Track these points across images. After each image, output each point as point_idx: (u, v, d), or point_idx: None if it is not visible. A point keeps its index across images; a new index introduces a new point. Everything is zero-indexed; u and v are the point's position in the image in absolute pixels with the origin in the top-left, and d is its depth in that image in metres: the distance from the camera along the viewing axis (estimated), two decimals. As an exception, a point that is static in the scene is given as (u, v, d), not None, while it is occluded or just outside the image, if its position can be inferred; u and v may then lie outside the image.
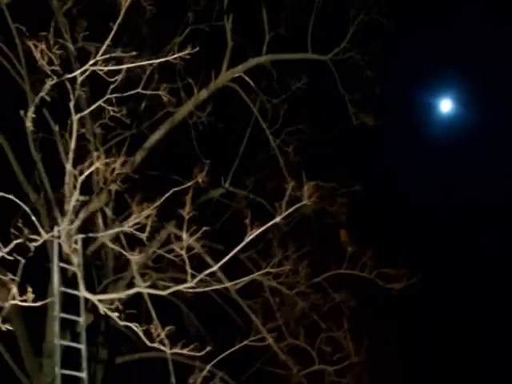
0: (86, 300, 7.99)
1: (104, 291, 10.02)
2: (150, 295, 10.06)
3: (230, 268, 7.51)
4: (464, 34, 15.22)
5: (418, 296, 10.61)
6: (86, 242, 8.27)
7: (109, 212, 7.97)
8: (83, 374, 7.69)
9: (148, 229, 6.71)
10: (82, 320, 7.86)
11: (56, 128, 8.99)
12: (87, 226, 8.57)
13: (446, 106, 15.91)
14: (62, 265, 8.25)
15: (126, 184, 8.65)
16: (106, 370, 10.16)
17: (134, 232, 6.91)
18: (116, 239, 8.43)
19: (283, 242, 10.21)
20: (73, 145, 5.69)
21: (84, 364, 7.77)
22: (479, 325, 15.26)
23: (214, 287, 6.44)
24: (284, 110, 10.46)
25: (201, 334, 10.83)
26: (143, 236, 6.54)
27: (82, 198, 8.19)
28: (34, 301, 5.90)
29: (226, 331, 10.59)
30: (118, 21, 5.27)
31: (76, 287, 8.06)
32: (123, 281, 10.26)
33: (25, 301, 4.31)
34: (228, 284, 7.07)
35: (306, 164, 10.89)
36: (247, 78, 9.75)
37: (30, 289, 4.27)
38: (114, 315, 5.30)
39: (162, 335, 5.26)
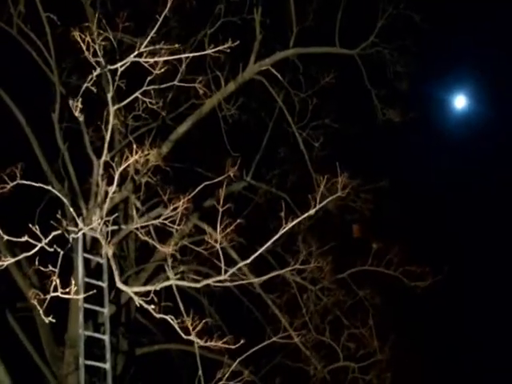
0: (109, 291, 8.02)
1: (126, 282, 10.03)
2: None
3: (253, 263, 7.47)
4: (479, 30, 15.06)
5: (443, 294, 10.55)
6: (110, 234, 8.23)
7: (138, 203, 7.95)
8: (107, 365, 7.74)
9: (178, 222, 6.67)
10: (106, 311, 7.90)
11: (82, 118, 8.98)
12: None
13: (460, 102, 15.77)
14: (86, 256, 8.31)
15: (156, 176, 8.68)
16: (127, 361, 10.20)
17: (168, 224, 6.92)
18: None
19: (306, 237, 10.17)
20: (108, 137, 5.66)
21: (108, 355, 7.82)
22: (505, 323, 15.15)
23: (241, 282, 6.38)
24: (311, 105, 10.33)
25: (222, 328, 10.83)
26: (174, 228, 6.51)
27: (113, 188, 8.23)
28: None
29: (245, 326, 10.60)
30: (164, 13, 5.23)
31: (98, 278, 8.10)
32: (145, 272, 10.28)
33: (67, 293, 4.28)
34: (255, 280, 7.02)
35: (331, 159, 10.85)
36: (274, 71, 9.69)
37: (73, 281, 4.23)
38: (150, 307, 5.28)
39: (198, 328, 5.22)
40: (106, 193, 8.17)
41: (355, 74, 10.61)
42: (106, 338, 7.95)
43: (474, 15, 14.89)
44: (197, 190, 6.56)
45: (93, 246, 8.94)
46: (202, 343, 5.46)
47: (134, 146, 5.65)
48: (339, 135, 11.13)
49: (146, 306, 5.37)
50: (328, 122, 10.83)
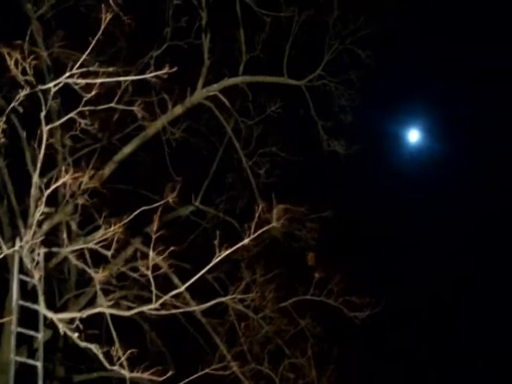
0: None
1: (65, 306, 9.72)
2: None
3: (196, 288, 7.34)
4: (432, 66, 15.52)
5: (384, 324, 10.59)
6: (49, 255, 7.98)
7: (74, 226, 7.72)
8: (39, 392, 7.37)
9: (114, 246, 6.49)
10: (41, 336, 7.57)
11: (24, 135, 8.75)
12: (51, 239, 8.30)
13: (413, 136, 16.12)
14: (22, 277, 7.99)
15: (93, 198, 8.45)
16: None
17: (99, 249, 6.72)
18: (80, 254, 8.19)
19: (252, 264, 10.08)
20: (41, 156, 5.48)
21: (40, 382, 7.47)
22: (443, 354, 15.36)
23: (179, 310, 6.23)
24: (258, 132, 10.35)
25: (163, 354, 10.57)
26: (108, 253, 6.33)
27: (47, 209, 7.97)
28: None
29: (189, 352, 10.36)
30: (98, 35, 5.13)
31: (36, 301, 7.78)
32: (85, 296, 9.95)
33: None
34: (195, 308, 6.87)
35: (278, 187, 10.88)
36: (222, 97, 9.69)
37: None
38: (75, 335, 5.06)
39: (123, 359, 5.02)
40: (42, 213, 7.94)
41: (303, 104, 10.71)
42: (39, 364, 7.61)
43: (427, 51, 15.32)
44: (133, 214, 6.39)
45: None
46: (126, 374, 5.24)
47: (63, 167, 5.46)
48: (286, 163, 11.15)
49: (69, 333, 5.15)
50: (275, 150, 10.84)
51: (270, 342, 9.19)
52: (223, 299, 7.35)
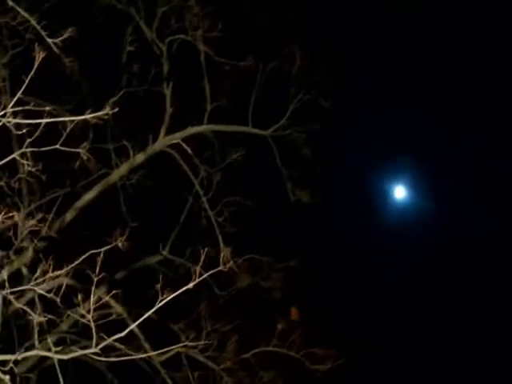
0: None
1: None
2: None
3: (162, 338, 7.22)
4: (417, 119, 15.84)
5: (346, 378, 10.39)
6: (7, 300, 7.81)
7: (25, 271, 7.66)
8: None
9: (61, 292, 6.43)
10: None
11: None
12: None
13: (399, 192, 16.27)
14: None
15: (45, 243, 8.41)
16: None
17: (47, 295, 6.64)
18: (40, 297, 8.09)
19: (217, 315, 9.95)
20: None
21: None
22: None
23: (123, 358, 6.10)
24: (220, 180, 10.51)
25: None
26: (57, 299, 6.28)
27: None
28: None
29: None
30: (31, 74, 5.25)
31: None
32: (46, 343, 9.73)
33: None
34: (142, 355, 6.73)
35: (244, 235, 10.88)
36: (185, 146, 9.83)
37: None
38: (7, 378, 4.95)
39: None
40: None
41: (269, 153, 10.85)
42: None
43: (413, 104, 15.67)
44: (80, 259, 6.38)
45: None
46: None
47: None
48: (253, 212, 11.19)
49: (1, 376, 5.03)
50: (239, 199, 10.89)
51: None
52: (176, 347, 7.18)
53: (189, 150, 9.79)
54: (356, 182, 14.89)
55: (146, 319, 9.30)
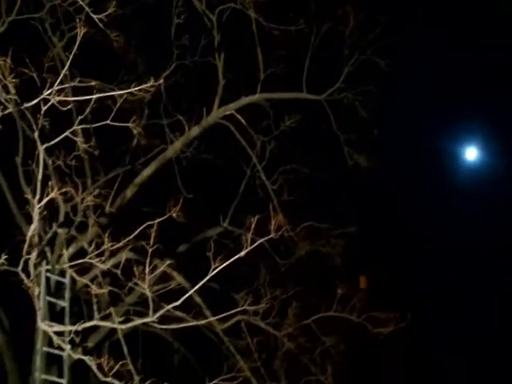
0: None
1: (95, 328, 9.96)
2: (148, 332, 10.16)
3: (225, 309, 7.45)
4: (488, 84, 15.28)
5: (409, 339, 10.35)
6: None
7: (89, 248, 8.09)
8: (64, 411, 7.73)
9: (122, 266, 6.80)
10: (65, 355, 7.93)
11: (19, 160, 9.19)
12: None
13: (471, 154, 15.90)
14: (49, 299, 8.40)
15: (107, 219, 8.81)
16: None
17: (114, 270, 7.05)
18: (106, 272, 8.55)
19: (278, 283, 10.12)
20: (40, 175, 5.82)
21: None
22: (468, 369, 14.75)
23: (181, 325, 6.38)
24: (275, 148, 10.50)
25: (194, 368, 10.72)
26: (118, 272, 6.67)
27: (60, 230, 8.41)
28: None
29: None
30: (74, 51, 5.46)
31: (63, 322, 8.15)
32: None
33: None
34: (200, 322, 6.98)
35: (303, 204, 10.95)
36: (239, 117, 9.91)
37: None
38: (67, 347, 5.33)
39: (115, 369, 5.24)
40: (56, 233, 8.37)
41: (325, 118, 10.77)
42: (64, 382, 7.96)
43: (483, 68, 15.11)
44: (137, 231, 6.67)
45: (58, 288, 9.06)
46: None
47: (50, 183, 5.79)
48: (310, 179, 11.20)
49: (63, 345, 5.42)
50: (296, 167, 10.91)
51: (289, 359, 9.19)
52: (236, 311, 7.39)
53: (243, 121, 9.88)
54: (420, 145, 14.53)
55: (209, 290, 9.66)
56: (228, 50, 10.09)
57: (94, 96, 5.72)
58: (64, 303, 8.38)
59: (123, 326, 6.15)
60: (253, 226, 6.13)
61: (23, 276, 5.65)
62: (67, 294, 8.38)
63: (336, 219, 10.78)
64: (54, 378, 8.18)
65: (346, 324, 9.49)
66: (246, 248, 6.00)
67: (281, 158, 10.81)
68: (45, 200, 5.47)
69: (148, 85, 5.84)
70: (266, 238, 6.29)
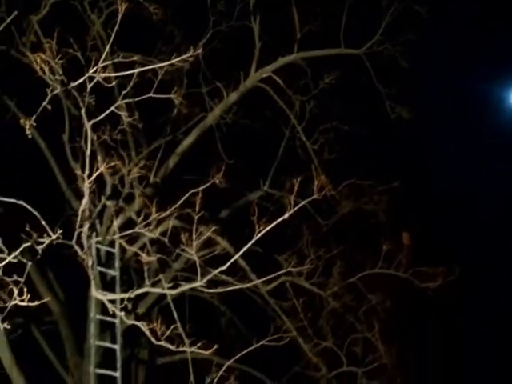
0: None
1: (144, 294, 10.35)
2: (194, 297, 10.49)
3: (269, 272, 7.62)
4: None
5: (457, 294, 10.33)
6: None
7: (136, 218, 8.38)
8: (117, 374, 8.14)
9: (168, 233, 7.01)
10: (117, 321, 8.33)
11: (66, 138, 9.46)
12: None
13: None
14: (100, 269, 8.78)
15: (152, 190, 9.03)
16: (148, 371, 10.57)
17: (161, 238, 7.29)
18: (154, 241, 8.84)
19: (321, 243, 10.21)
20: (88, 151, 6.02)
21: (118, 364, 8.22)
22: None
23: (227, 289, 6.59)
24: (314, 107, 10.43)
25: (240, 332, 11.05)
26: (165, 239, 6.90)
27: (109, 203, 8.70)
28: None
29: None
30: (116, 27, 5.56)
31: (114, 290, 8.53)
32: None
33: (23, 301, 4.67)
34: (245, 285, 7.19)
35: (345, 162, 10.92)
36: (277, 78, 9.87)
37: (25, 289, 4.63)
38: (121, 314, 5.62)
39: (167, 333, 5.51)
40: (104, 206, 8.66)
41: (364, 73, 10.60)
42: (117, 347, 8.37)
43: None
44: (182, 200, 6.86)
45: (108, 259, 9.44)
46: (173, 348, 5.73)
47: (99, 157, 5.99)
48: (351, 136, 11.12)
49: (117, 312, 5.71)
50: (336, 125, 10.84)
51: (335, 318, 9.35)
52: (281, 273, 7.54)
53: (281, 82, 9.85)
54: (463, 92, 14.11)
55: (252, 254, 9.83)
56: (263, 12, 10.01)
57: (137, 70, 5.83)
58: (114, 272, 8.75)
59: (173, 292, 6.42)
60: (295, 188, 6.14)
61: (77, 248, 5.93)
62: (117, 264, 8.74)
63: (379, 175, 10.72)
64: (108, 344, 8.64)
65: (391, 281, 9.56)
66: (290, 210, 6.03)
67: (320, 116, 10.76)
68: (94, 174, 5.67)
69: (188, 55, 5.89)
70: (309, 199, 6.30)
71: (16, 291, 4.87)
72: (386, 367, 9.04)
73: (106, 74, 5.54)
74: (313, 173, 11.06)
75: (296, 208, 6.12)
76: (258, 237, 6.09)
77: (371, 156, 11.72)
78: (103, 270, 8.88)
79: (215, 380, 6.35)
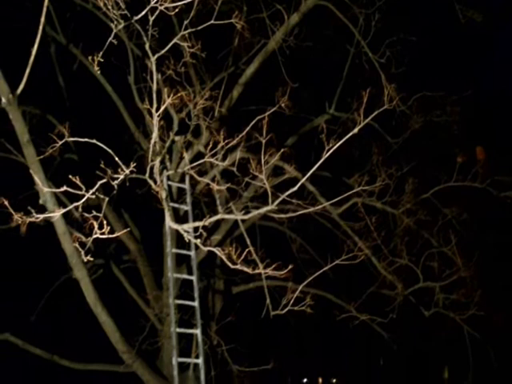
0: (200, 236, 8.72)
1: (216, 226, 10.55)
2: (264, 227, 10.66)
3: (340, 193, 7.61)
4: None
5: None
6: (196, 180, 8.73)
7: (202, 148, 8.51)
8: (195, 303, 8.52)
9: (237, 162, 7.09)
10: (193, 253, 8.65)
11: (131, 79, 9.55)
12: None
13: None
14: (172, 205, 9.05)
15: (218, 122, 9.07)
16: (225, 300, 11.00)
17: (231, 167, 7.39)
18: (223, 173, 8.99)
19: (392, 161, 10.02)
20: (155, 86, 6.10)
21: (196, 294, 8.58)
22: None
23: (299, 212, 6.65)
24: (380, 21, 9.95)
25: (312, 258, 11.22)
26: (234, 169, 7.01)
27: (177, 137, 8.86)
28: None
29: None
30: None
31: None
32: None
33: (103, 233, 4.95)
34: (314, 209, 7.19)
35: (414, 75, 10.48)
36: (337, -6, 9.44)
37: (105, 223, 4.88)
38: (198, 241, 5.83)
39: (242, 257, 5.68)
40: (173, 141, 8.83)
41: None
42: (194, 278, 8.70)
43: None
44: (249, 126, 6.86)
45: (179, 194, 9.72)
46: (249, 271, 5.91)
47: (165, 90, 6.06)
48: (417, 48, 10.59)
49: (193, 240, 5.92)
50: (403, 36, 10.34)
51: (409, 235, 9.26)
52: (351, 193, 7.46)
53: (341, -4, 9.42)
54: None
55: (321, 179, 9.73)
56: None
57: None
58: (186, 207, 8.99)
59: (246, 217, 6.54)
60: (364, 99, 5.96)
61: (151, 182, 6.14)
62: (188, 198, 8.96)
63: (450, 86, 10.24)
64: (185, 276, 9.01)
65: (467, 193, 9.31)
66: (360, 124, 5.88)
67: (386, 30, 10.29)
68: (163, 107, 5.77)
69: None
70: (381, 109, 6.10)
71: (96, 225, 5.14)
72: (464, 280, 8.97)
73: (168, 4, 5.54)
74: (381, 88, 10.91)
75: (367, 120, 5.91)
76: (328, 154, 5.94)
77: (442, 66, 11.14)
78: (175, 205, 9.14)
79: (291, 301, 6.48)
